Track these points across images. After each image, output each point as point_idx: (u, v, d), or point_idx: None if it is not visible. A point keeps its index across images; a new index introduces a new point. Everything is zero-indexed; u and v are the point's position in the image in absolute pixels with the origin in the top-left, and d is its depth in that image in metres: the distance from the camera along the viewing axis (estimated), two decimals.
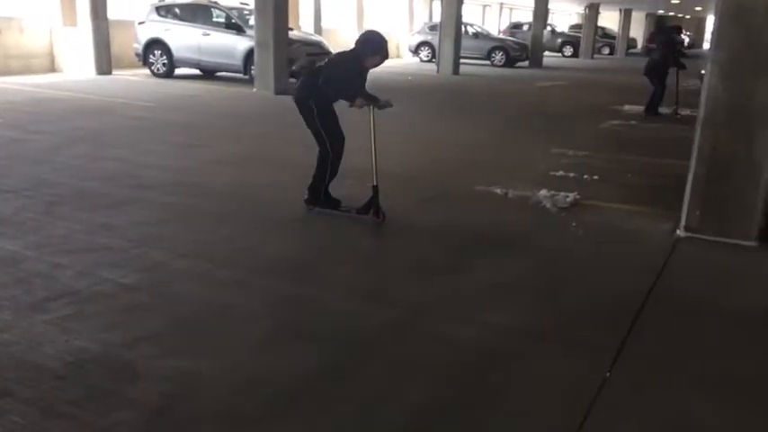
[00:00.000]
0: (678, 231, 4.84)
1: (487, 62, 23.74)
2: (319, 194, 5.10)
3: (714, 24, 4.59)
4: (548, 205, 5.57)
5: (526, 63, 24.15)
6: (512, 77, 19.11)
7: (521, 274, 4.11)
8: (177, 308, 3.44)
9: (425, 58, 24.29)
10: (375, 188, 4.91)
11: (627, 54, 35.94)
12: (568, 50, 32.19)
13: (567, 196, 5.73)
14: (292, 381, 2.79)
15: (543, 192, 5.83)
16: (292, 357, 3.00)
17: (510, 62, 23.52)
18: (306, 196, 5.16)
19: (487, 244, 4.64)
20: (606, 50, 35.74)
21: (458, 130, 9.75)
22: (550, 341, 3.25)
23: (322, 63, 5.09)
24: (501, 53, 23.78)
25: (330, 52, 14.95)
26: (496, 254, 4.46)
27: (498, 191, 5.97)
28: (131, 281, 3.73)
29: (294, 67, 13.36)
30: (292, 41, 13.35)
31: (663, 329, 3.41)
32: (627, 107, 12.30)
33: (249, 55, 13.24)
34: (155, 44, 14.43)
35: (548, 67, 24.06)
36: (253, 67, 13.03)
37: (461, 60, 20.33)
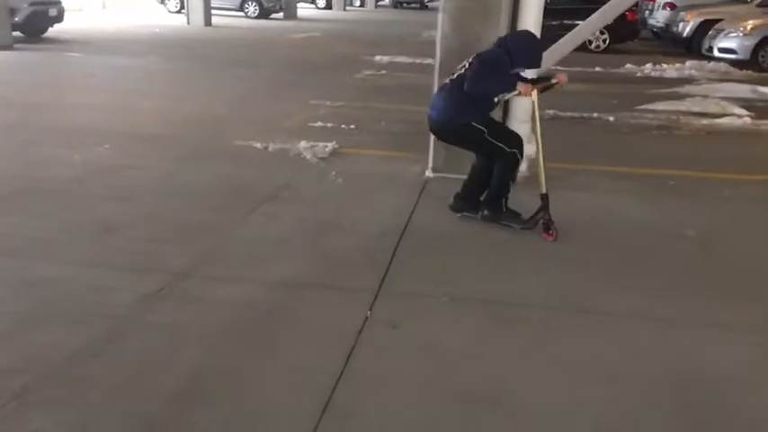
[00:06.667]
0: (427, 173, 5.21)
1: (241, 14, 23.09)
2: (501, 206, 4.24)
3: None
4: (308, 156, 5.63)
5: (281, 15, 23.94)
6: (267, 29, 18.83)
7: (285, 227, 4.13)
8: None
9: (174, 9, 22.87)
10: (544, 197, 4.10)
11: (377, 6, 37.38)
12: (322, 2, 32.56)
13: (326, 146, 5.85)
14: (45, 368, 2.52)
15: (303, 143, 5.89)
16: (44, 343, 2.70)
17: (264, 13, 23.13)
18: (484, 212, 4.27)
19: (251, 198, 4.57)
20: (357, 2, 36.80)
21: (212, 84, 9.39)
22: (316, 288, 3.32)
23: (459, 72, 4.09)
24: (254, 4, 23.25)
25: (59, 2, 13.35)
26: (260, 208, 4.42)
27: (258, 145, 5.90)
28: None
29: (17, 19, 11.74)
30: None
31: (416, 263, 3.67)
32: (378, 57, 12.82)
33: None
34: None
35: (302, 19, 24.12)
36: None
37: (213, 12, 19.53)
